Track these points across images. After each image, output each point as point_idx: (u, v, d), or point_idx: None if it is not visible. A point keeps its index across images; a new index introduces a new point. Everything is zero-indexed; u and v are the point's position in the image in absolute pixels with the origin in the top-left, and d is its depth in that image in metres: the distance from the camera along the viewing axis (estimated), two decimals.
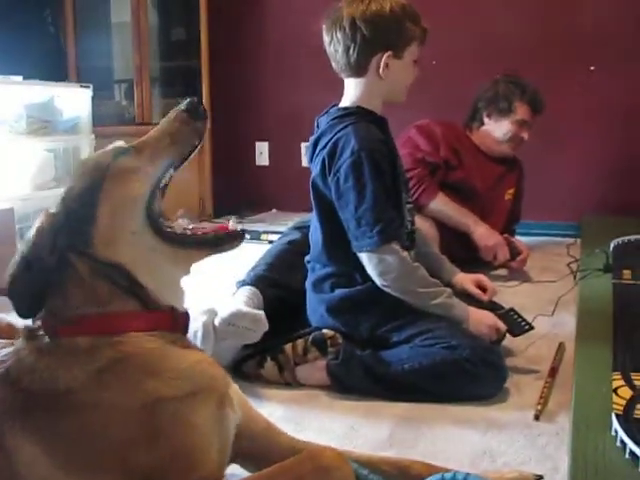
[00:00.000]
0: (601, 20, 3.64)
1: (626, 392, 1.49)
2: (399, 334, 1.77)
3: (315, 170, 1.85)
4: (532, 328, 1.96)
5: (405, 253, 1.79)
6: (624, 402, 1.44)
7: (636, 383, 1.54)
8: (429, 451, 1.45)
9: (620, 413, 1.38)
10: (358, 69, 1.82)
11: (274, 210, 4.05)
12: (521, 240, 3.03)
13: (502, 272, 2.85)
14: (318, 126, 1.88)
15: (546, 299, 2.43)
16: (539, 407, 1.61)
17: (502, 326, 1.86)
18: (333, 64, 1.87)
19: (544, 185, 3.63)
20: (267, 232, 3.45)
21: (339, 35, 1.80)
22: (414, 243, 1.94)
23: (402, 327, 1.77)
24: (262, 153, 4.24)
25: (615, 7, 3.62)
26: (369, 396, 1.70)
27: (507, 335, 1.94)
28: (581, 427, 1.40)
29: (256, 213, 4.04)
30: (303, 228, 2.11)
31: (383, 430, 1.55)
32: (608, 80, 3.65)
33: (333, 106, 1.89)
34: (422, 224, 2.48)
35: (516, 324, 1.94)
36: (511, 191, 3.11)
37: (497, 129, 2.99)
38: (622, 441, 1.29)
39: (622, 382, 1.54)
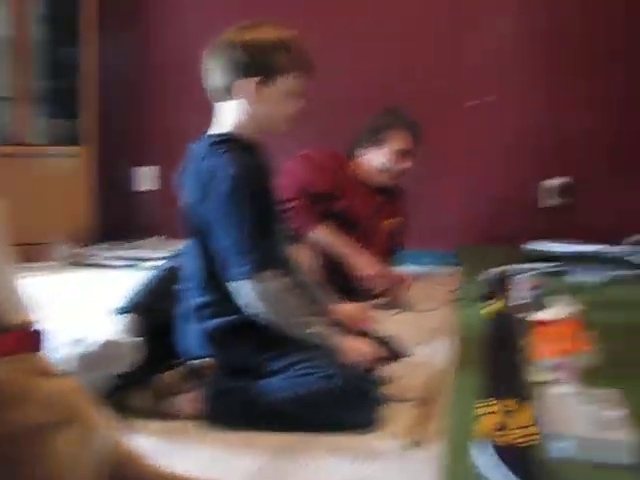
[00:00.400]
0: (482, 59, 3.79)
1: (493, 419, 1.51)
2: (275, 364, 1.75)
3: (190, 197, 1.82)
4: (407, 355, 1.98)
5: (281, 281, 1.78)
6: (490, 429, 1.47)
7: (504, 410, 1.57)
8: None
9: (485, 440, 1.40)
10: (226, 92, 1.81)
11: (160, 236, 3.97)
12: (402, 269, 3.08)
13: (384, 301, 2.88)
14: (192, 153, 1.85)
15: (425, 327, 2.48)
16: (413, 435, 1.63)
17: (378, 354, 1.88)
18: (207, 87, 1.86)
19: (425, 213, 3.71)
20: (150, 259, 3.38)
21: (215, 57, 1.80)
22: (290, 272, 1.93)
23: (278, 357, 1.75)
24: (146, 177, 4.16)
25: (490, 49, 3.79)
26: (244, 427, 1.67)
27: (384, 363, 1.96)
28: (449, 454, 1.42)
29: (144, 239, 3.95)
30: (182, 255, 2.07)
31: (256, 461, 1.52)
32: (485, 114, 3.80)
33: (205, 133, 1.87)
34: (302, 254, 2.48)
35: (391, 351, 1.96)
36: (392, 220, 3.15)
37: (376, 159, 3.04)
38: (485, 467, 1.31)
39: (490, 409, 1.57)
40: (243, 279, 1.73)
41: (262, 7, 3.71)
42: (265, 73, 1.78)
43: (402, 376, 2.01)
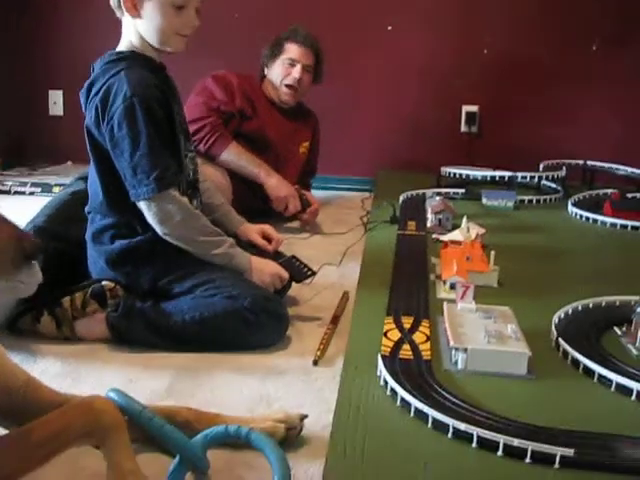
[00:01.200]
0: None
1: (395, 334, 1.57)
2: (181, 285, 1.75)
3: (89, 117, 1.76)
4: (314, 273, 2.00)
5: (185, 199, 1.76)
6: (392, 344, 1.51)
7: (405, 326, 1.62)
8: (207, 399, 1.45)
9: (387, 354, 1.45)
10: (116, 6, 1.74)
11: (69, 162, 3.86)
12: (314, 194, 3.09)
13: (296, 224, 2.89)
14: (93, 71, 1.79)
15: (335, 251, 2.50)
16: (318, 353, 1.66)
17: (285, 275, 1.89)
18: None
19: (341, 140, 3.73)
20: (59, 185, 3.29)
21: None
22: (197, 192, 1.91)
23: (184, 278, 1.75)
24: (56, 103, 4.01)
25: None
26: (150, 348, 1.67)
27: (293, 284, 1.98)
28: (350, 369, 1.46)
29: (50, 165, 3.84)
30: (87, 178, 2.02)
31: (162, 381, 1.54)
32: (404, 40, 3.78)
33: (111, 51, 1.80)
34: (214, 174, 2.47)
35: (298, 271, 1.97)
36: (306, 144, 3.14)
37: (273, 74, 3.01)
38: (385, 380, 1.36)
39: (393, 326, 1.62)
40: (146, 199, 1.71)
41: None
42: None
43: (310, 297, 2.04)
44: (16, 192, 3.39)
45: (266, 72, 3.05)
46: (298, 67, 2.97)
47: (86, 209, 1.85)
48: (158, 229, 1.74)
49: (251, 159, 2.80)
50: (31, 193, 3.39)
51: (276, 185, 2.82)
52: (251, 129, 2.89)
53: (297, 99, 3.06)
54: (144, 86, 1.70)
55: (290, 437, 1.28)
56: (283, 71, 2.98)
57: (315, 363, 1.63)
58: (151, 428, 1.13)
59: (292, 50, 2.98)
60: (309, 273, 1.99)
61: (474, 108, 3.86)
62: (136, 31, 1.76)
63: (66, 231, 1.92)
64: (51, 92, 4.04)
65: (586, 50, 3.76)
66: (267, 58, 3.03)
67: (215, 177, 2.39)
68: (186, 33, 1.77)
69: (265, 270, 1.85)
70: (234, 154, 2.76)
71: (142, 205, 1.72)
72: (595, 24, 3.72)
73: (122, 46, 1.79)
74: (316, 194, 3.23)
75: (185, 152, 1.84)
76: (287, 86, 2.98)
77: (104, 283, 1.74)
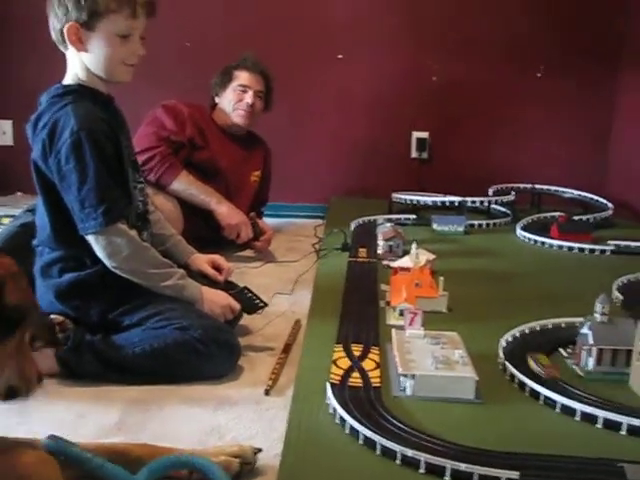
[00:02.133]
0: (349, 12, 3.81)
1: (345, 362, 1.58)
2: (131, 317, 1.74)
3: (36, 151, 1.75)
4: (265, 305, 2.01)
5: (134, 232, 1.76)
6: (341, 372, 1.53)
7: (355, 353, 1.64)
8: (158, 433, 1.45)
9: (336, 382, 1.46)
10: (59, 41, 1.75)
11: (19, 193, 3.82)
12: (266, 221, 3.10)
13: (249, 253, 2.89)
14: (40, 104, 1.78)
15: (288, 278, 2.51)
16: (270, 382, 1.66)
17: (236, 306, 1.90)
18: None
19: (293, 167, 3.74)
20: (8, 216, 3.24)
21: (48, 5, 1.74)
22: (148, 224, 1.91)
23: (134, 310, 1.74)
24: (5, 132, 3.97)
25: (358, 4, 3.81)
26: (101, 382, 1.66)
27: (245, 314, 1.98)
28: (300, 397, 1.47)
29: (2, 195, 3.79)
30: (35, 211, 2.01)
31: (112, 415, 1.52)
32: (354, 68, 3.84)
33: (56, 84, 1.80)
34: (165, 204, 2.46)
35: (249, 302, 1.98)
36: (257, 173, 3.15)
37: (224, 102, 3.03)
38: (334, 408, 1.37)
39: (342, 354, 1.63)
40: (90, 233, 1.70)
41: None
42: (83, 16, 1.69)
43: (261, 326, 2.05)
44: None
45: (217, 100, 3.07)
46: (250, 93, 3.00)
47: (34, 242, 1.84)
48: (107, 262, 1.73)
49: (202, 188, 2.80)
50: None
51: (227, 213, 2.81)
52: (202, 158, 2.90)
53: (249, 124, 3.08)
54: (91, 120, 1.70)
55: (244, 471, 1.28)
56: (235, 97, 3.00)
57: (267, 393, 1.64)
58: (91, 469, 1.12)
59: (243, 77, 3.01)
60: (260, 305, 2.00)
61: (424, 134, 3.92)
62: (82, 64, 1.76)
63: (19, 264, 1.89)
64: (0, 122, 4.00)
65: (531, 77, 3.85)
66: (218, 86, 3.05)
67: (166, 207, 2.39)
68: (132, 62, 1.78)
69: (216, 301, 1.85)
70: (184, 183, 2.76)
71: (90, 238, 1.72)
72: (540, 51, 3.82)
73: (68, 79, 1.78)
74: (268, 222, 3.24)
75: (134, 183, 1.84)
76: (240, 110, 3.00)
77: (53, 317, 1.72)
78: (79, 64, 1.76)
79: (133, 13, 1.73)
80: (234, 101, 3.00)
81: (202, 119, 2.97)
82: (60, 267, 1.77)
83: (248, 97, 2.99)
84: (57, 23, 1.72)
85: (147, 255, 1.78)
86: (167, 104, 2.94)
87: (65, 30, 1.71)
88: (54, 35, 1.75)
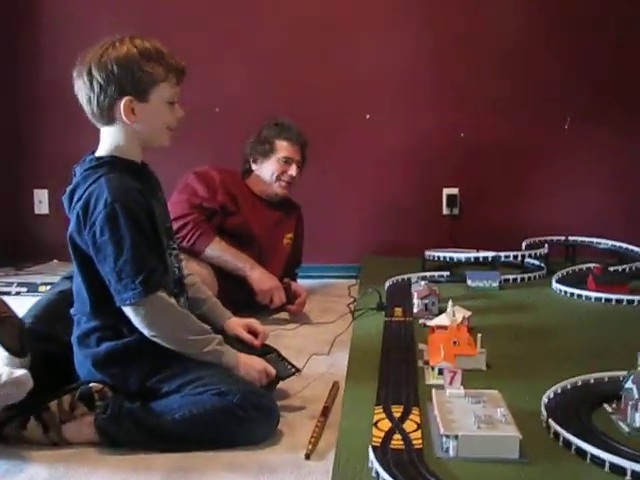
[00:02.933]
0: (375, 70, 3.88)
1: (385, 424, 1.56)
2: (169, 384, 1.74)
3: (72, 225, 1.77)
4: (298, 370, 2.00)
5: (173, 300, 1.77)
6: (382, 434, 1.51)
7: (395, 415, 1.62)
8: None
9: (377, 445, 1.44)
10: (103, 117, 1.77)
11: (55, 261, 3.88)
12: (300, 284, 3.11)
13: (284, 316, 2.90)
14: (75, 175, 1.82)
15: (324, 340, 2.50)
16: (310, 447, 1.64)
17: (272, 371, 1.89)
18: (85, 110, 1.81)
19: (325, 227, 3.78)
20: (45, 283, 3.30)
21: (81, 84, 1.76)
22: (184, 289, 1.93)
23: (172, 377, 1.74)
24: (41, 201, 4.07)
25: (386, 58, 3.88)
26: (140, 449, 1.65)
27: (277, 380, 1.97)
28: (342, 461, 1.45)
29: (36, 264, 3.86)
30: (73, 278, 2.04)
31: None
32: (382, 127, 3.89)
33: (89, 154, 1.83)
34: (199, 270, 2.48)
35: (282, 368, 1.97)
36: (290, 235, 3.17)
37: (264, 171, 3.07)
38: (377, 471, 1.35)
39: (383, 415, 1.62)
40: (129, 305, 1.71)
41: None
42: (138, 89, 1.75)
43: (299, 389, 2.03)
44: (1, 292, 3.39)
45: (254, 168, 3.10)
46: (294, 166, 3.05)
47: (72, 311, 1.86)
48: (146, 332, 1.74)
49: (235, 254, 2.83)
50: (17, 293, 3.39)
51: (260, 278, 2.83)
52: (234, 224, 2.93)
53: (289, 193, 3.13)
54: (124, 191, 1.72)
55: None
56: (279, 169, 3.04)
57: (307, 457, 1.61)
58: None
59: (286, 149, 3.05)
60: (293, 370, 1.99)
61: (454, 190, 3.94)
62: (123, 135, 1.78)
63: (54, 331, 1.92)
64: (36, 191, 4.09)
65: (558, 128, 3.87)
66: (257, 154, 3.08)
67: (200, 273, 2.40)
68: (175, 126, 1.83)
69: (253, 366, 1.85)
70: (217, 249, 2.79)
71: (128, 310, 1.72)
72: (566, 103, 3.85)
73: (102, 151, 1.81)
74: (302, 283, 3.26)
75: (169, 250, 1.86)
76: (283, 181, 3.06)
77: (92, 385, 1.73)
78: (120, 136, 1.79)
79: (177, 80, 1.80)
80: (277, 172, 3.05)
81: (234, 185, 3.01)
82: (97, 336, 1.78)
83: (292, 170, 3.05)
84: (104, 99, 1.74)
85: (187, 322, 1.79)
86: (199, 171, 2.99)
87: (120, 105, 1.74)
88: (97, 113, 1.76)
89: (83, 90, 1.76)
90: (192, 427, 1.66)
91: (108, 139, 1.81)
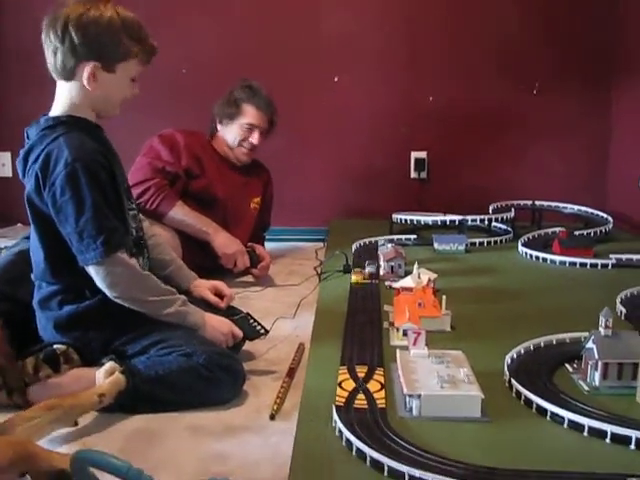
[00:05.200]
0: (344, 35, 3.84)
1: (349, 384, 1.57)
2: (133, 346, 1.73)
3: (29, 185, 1.74)
4: (267, 332, 2.00)
5: (133, 261, 1.76)
6: (346, 394, 1.52)
7: (360, 375, 1.63)
8: (162, 460, 1.44)
9: (341, 404, 1.45)
10: (64, 73, 1.74)
11: (19, 224, 3.82)
12: (266, 247, 3.10)
13: (250, 278, 2.89)
14: (28, 137, 1.78)
15: (290, 302, 2.49)
16: (275, 407, 1.65)
17: (238, 332, 1.89)
18: (49, 66, 1.78)
19: (293, 191, 3.76)
20: (8, 247, 3.24)
21: (52, 35, 1.71)
22: (144, 250, 1.91)
23: (136, 339, 1.74)
24: (4, 164, 3.99)
25: (355, 22, 3.84)
26: (105, 410, 1.64)
27: (243, 341, 1.97)
28: (305, 421, 1.46)
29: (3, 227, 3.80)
30: None
31: (115, 444, 1.51)
32: (351, 90, 3.86)
33: (43, 116, 1.79)
34: (164, 233, 2.45)
35: (251, 329, 1.98)
36: (257, 199, 3.14)
37: (227, 134, 3.03)
38: (340, 430, 1.36)
39: (347, 375, 1.62)
40: (91, 264, 1.70)
41: None
42: (104, 59, 1.72)
43: (265, 351, 2.04)
44: None
45: (219, 129, 3.06)
46: (256, 133, 3.00)
47: (32, 276, 1.83)
48: (108, 292, 1.72)
49: (198, 217, 2.80)
50: None
51: (223, 242, 2.81)
52: (198, 187, 2.89)
53: (252, 158, 3.10)
54: (85, 150, 1.70)
55: None
56: (241, 134, 3.00)
57: (272, 418, 1.62)
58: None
59: (252, 115, 3.00)
60: (262, 332, 2.00)
61: (423, 154, 3.93)
62: (80, 97, 1.76)
63: (14, 292, 1.90)
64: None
65: (528, 94, 3.88)
66: (223, 116, 3.03)
67: (165, 237, 2.38)
68: (128, 100, 1.83)
69: (218, 327, 1.85)
70: (180, 213, 2.75)
71: (91, 269, 1.71)
72: (535, 68, 3.85)
73: (57, 110, 1.78)
74: (270, 246, 3.25)
75: (128, 210, 1.84)
76: (244, 147, 3.02)
77: (56, 347, 1.71)
78: (76, 96, 1.76)
79: (147, 60, 1.79)
80: (239, 138, 3.01)
81: (199, 147, 2.97)
82: (59, 300, 1.76)
83: (254, 137, 3.00)
84: (71, 58, 1.71)
85: (148, 283, 1.77)
86: (163, 134, 2.95)
87: (83, 68, 1.71)
88: (59, 67, 1.73)
89: (52, 42, 1.72)
90: (158, 388, 1.65)
91: (64, 95, 1.77)
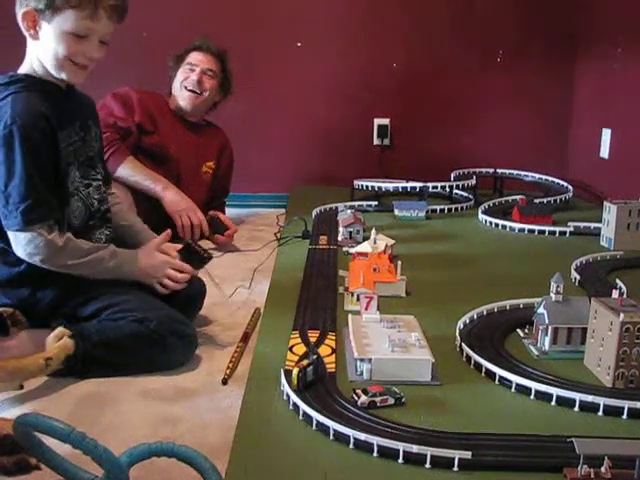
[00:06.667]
0: (308, 1, 3.80)
1: (301, 349, 1.58)
2: (83, 310, 1.71)
3: None
4: (211, 257, 1.93)
5: (52, 235, 1.67)
6: (296, 358, 1.52)
7: (311, 340, 1.63)
8: (112, 424, 1.43)
9: (290, 368, 1.45)
10: (20, 24, 1.68)
11: None
12: (228, 213, 3.07)
13: (208, 244, 2.83)
14: None
15: (249, 268, 2.48)
16: (227, 372, 1.65)
17: (177, 262, 1.85)
18: None
19: (255, 156, 3.74)
20: None
21: None
22: (105, 222, 1.88)
23: (87, 302, 1.71)
24: None
25: None
26: (55, 374, 1.62)
27: (205, 305, 1.96)
28: (255, 385, 1.46)
29: None
30: None
31: (65, 408, 1.50)
32: (314, 56, 3.83)
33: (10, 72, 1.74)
34: (116, 191, 2.41)
35: (196, 257, 1.91)
36: (210, 164, 3.08)
37: (175, 83, 3.01)
38: (287, 394, 1.35)
39: (298, 340, 1.63)
40: (10, 231, 1.66)
41: None
42: (44, 5, 1.63)
43: (221, 316, 2.03)
44: None
45: (172, 85, 3.03)
46: (197, 70, 2.97)
47: None
48: (28, 260, 1.68)
49: (148, 174, 2.74)
50: None
51: (173, 199, 2.74)
52: (151, 143, 2.84)
53: (200, 106, 3.03)
54: (28, 113, 1.64)
55: None
56: (183, 76, 2.98)
57: (224, 382, 1.61)
58: (82, 448, 1.10)
59: (192, 56, 2.99)
60: (206, 256, 1.92)
61: (385, 121, 3.92)
62: (32, 50, 1.71)
63: None
64: None
65: (491, 62, 3.87)
66: (171, 69, 3.02)
67: (118, 194, 2.34)
68: (81, 62, 1.70)
69: (154, 264, 1.83)
70: (130, 169, 2.70)
71: (10, 235, 1.67)
72: (498, 36, 3.84)
73: (22, 68, 1.73)
74: (231, 212, 3.23)
75: (86, 181, 1.80)
76: (187, 90, 2.97)
77: (1, 310, 1.69)
78: (31, 52, 1.71)
79: (93, 14, 1.65)
80: (181, 80, 2.98)
81: (154, 104, 2.92)
82: (1, 259, 1.73)
83: (194, 75, 2.96)
84: (18, 6, 1.67)
85: (67, 250, 1.71)
86: (117, 91, 2.90)
87: (21, 13, 1.66)
88: (18, 18, 1.68)
89: None
90: (108, 352, 1.63)
91: (27, 55, 1.73)
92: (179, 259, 1.86)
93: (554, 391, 1.38)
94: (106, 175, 1.98)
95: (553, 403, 1.38)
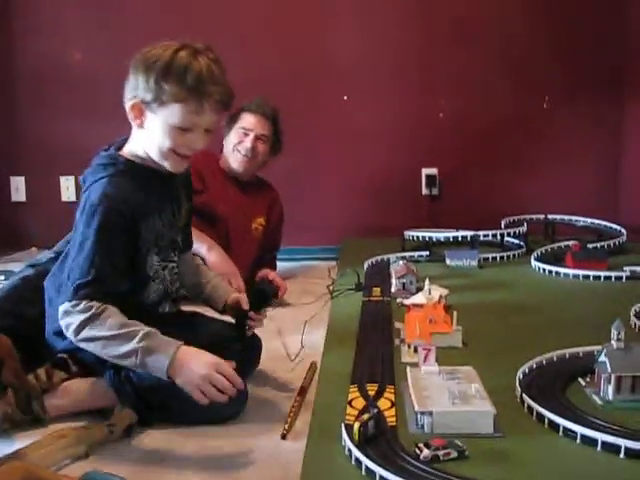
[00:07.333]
0: (352, 52, 3.86)
1: (360, 403, 1.57)
2: None
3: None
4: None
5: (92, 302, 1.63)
6: (356, 412, 1.51)
7: (370, 393, 1.62)
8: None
9: (350, 423, 1.44)
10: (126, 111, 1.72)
11: (33, 248, 3.84)
12: (276, 273, 2.95)
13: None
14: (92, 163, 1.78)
15: (302, 321, 2.48)
16: (286, 427, 1.64)
17: (226, 367, 1.63)
18: None
19: (305, 210, 3.76)
20: (15, 273, 3.25)
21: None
22: (175, 301, 1.91)
23: None
24: (18, 188, 4.02)
25: (361, 46, 3.87)
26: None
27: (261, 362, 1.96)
28: (315, 440, 1.45)
29: (14, 252, 3.81)
30: (37, 265, 2.02)
31: (126, 466, 1.50)
32: (361, 108, 3.87)
33: (110, 147, 1.78)
34: None
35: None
36: (260, 220, 3.10)
37: (228, 145, 3.04)
38: (349, 449, 1.35)
39: (357, 394, 1.62)
40: (62, 303, 1.65)
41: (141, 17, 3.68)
42: (151, 98, 1.65)
43: (277, 370, 2.03)
44: None
45: (224, 143, 3.07)
46: (251, 136, 3.00)
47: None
48: (65, 332, 1.66)
49: (196, 234, 2.76)
50: None
51: (215, 262, 2.67)
52: (199, 203, 2.84)
53: (251, 169, 3.07)
54: (115, 200, 1.66)
55: None
56: (236, 139, 3.01)
57: (283, 437, 1.61)
58: None
59: (246, 119, 3.01)
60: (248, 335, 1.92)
61: (434, 170, 3.93)
62: (134, 136, 1.75)
63: (19, 310, 1.91)
64: (13, 178, 4.03)
65: (538, 108, 3.88)
66: (225, 129, 3.04)
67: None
68: (184, 153, 1.73)
69: (196, 370, 1.59)
70: None
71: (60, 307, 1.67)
72: (544, 82, 3.85)
73: (126, 149, 1.76)
74: (282, 265, 3.25)
75: (164, 263, 1.82)
76: (240, 154, 3.00)
77: (61, 356, 1.75)
78: (133, 135, 1.75)
79: (199, 108, 1.66)
80: (234, 143, 3.01)
81: (204, 164, 2.94)
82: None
83: (248, 140, 2.99)
84: (126, 96, 1.70)
85: (102, 318, 1.63)
86: None
87: (129, 105, 1.69)
88: (125, 107, 1.72)
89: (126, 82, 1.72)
90: (165, 397, 1.64)
91: (132, 138, 1.76)
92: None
93: (623, 442, 1.34)
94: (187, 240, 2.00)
95: (622, 455, 1.34)
